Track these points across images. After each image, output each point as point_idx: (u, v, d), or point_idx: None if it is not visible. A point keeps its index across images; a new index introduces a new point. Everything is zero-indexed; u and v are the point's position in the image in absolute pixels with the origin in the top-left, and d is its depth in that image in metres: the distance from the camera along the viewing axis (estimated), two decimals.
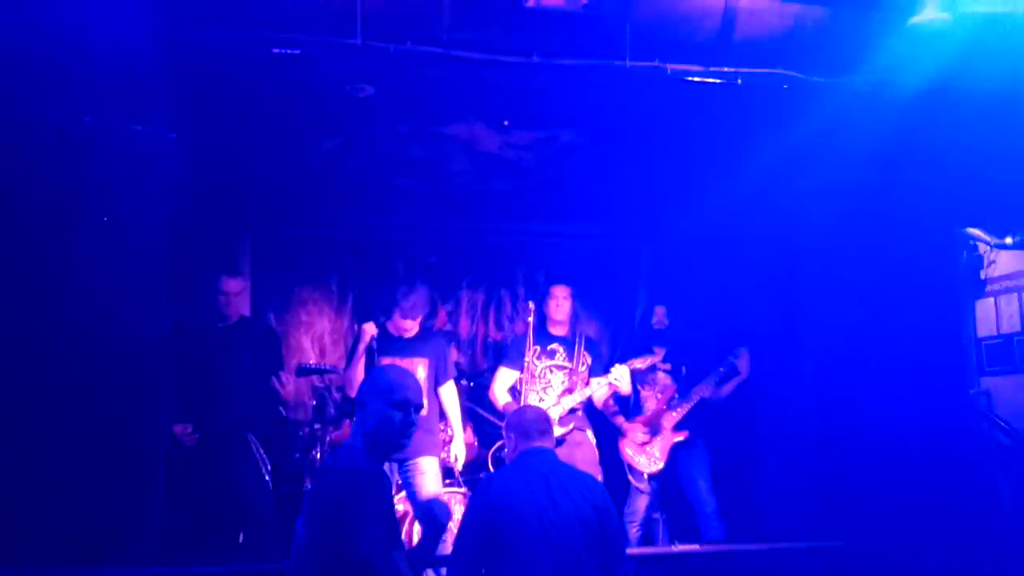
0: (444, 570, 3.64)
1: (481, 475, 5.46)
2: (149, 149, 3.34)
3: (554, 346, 4.98)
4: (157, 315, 3.30)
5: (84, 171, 3.19)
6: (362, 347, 4.61)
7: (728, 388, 5.10)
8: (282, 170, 5.18)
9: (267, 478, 4.21)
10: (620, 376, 4.81)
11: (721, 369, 5.06)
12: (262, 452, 4.13)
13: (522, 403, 4.65)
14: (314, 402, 5.78)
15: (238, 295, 4.56)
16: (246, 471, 4.17)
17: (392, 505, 2.50)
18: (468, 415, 5.61)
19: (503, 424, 3.29)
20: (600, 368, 5.00)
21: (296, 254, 6.26)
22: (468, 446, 5.30)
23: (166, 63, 3.58)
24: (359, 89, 3.85)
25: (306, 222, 6.17)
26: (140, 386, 3.16)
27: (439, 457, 4.73)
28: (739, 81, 3.71)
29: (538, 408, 3.68)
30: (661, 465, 5.01)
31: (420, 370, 4.68)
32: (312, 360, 6.09)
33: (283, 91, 3.95)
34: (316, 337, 6.31)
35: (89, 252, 3.18)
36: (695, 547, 3.55)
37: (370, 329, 4.61)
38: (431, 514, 4.05)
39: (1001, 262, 6.31)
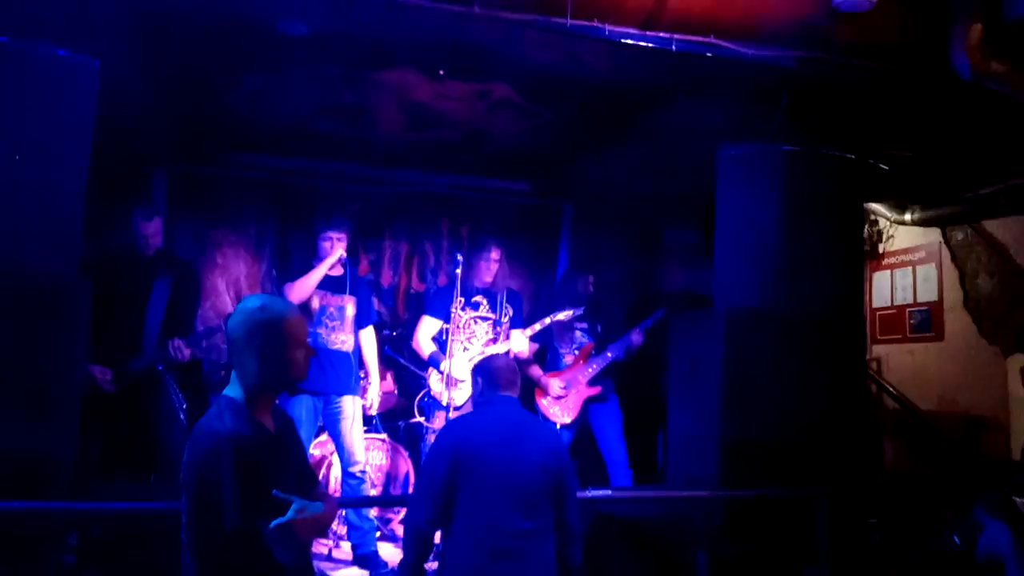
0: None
1: (400, 423, 5.55)
2: (69, 74, 3.18)
3: (478, 298, 5.09)
4: (74, 249, 3.18)
5: (2, 93, 3.03)
6: (326, 265, 4.66)
7: (632, 351, 5.32)
8: (203, 106, 5.01)
9: (182, 417, 4.16)
10: (539, 330, 4.99)
11: (608, 354, 5.29)
12: (178, 391, 4.08)
13: (448, 353, 4.73)
14: (226, 345, 5.72)
15: (156, 236, 4.45)
16: (162, 409, 4.12)
17: (268, 466, 2.09)
18: (388, 364, 5.66)
19: (472, 368, 3.34)
20: (520, 321, 5.15)
21: (214, 195, 6.10)
22: (388, 394, 5.38)
23: None
24: (292, 27, 3.75)
25: (225, 162, 6.00)
26: (55, 319, 3.06)
27: (361, 398, 4.82)
28: (673, 47, 3.79)
29: (507, 357, 3.76)
30: (573, 417, 5.21)
31: (349, 308, 4.82)
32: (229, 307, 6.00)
33: (213, 23, 3.81)
34: (232, 281, 6.20)
35: (6, 180, 3.04)
36: (607, 492, 3.71)
37: (341, 248, 4.70)
38: None
39: (899, 237, 6.71)
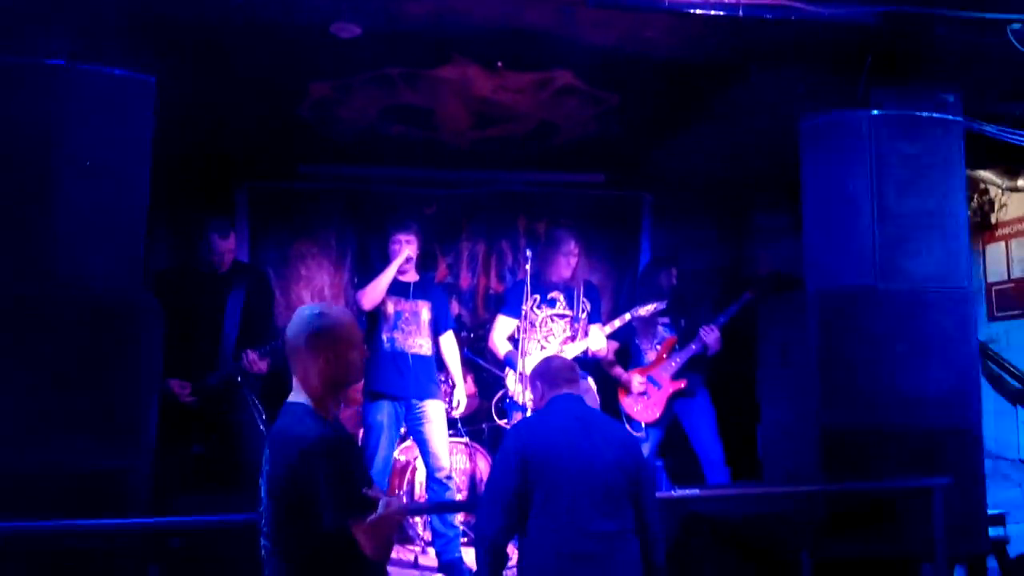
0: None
1: (483, 425, 5.45)
2: (125, 93, 3.22)
3: (554, 294, 4.94)
4: (137, 265, 3.21)
5: (57, 115, 3.08)
6: (395, 267, 4.62)
7: (717, 343, 5.03)
8: (273, 120, 5.06)
9: (262, 429, 4.17)
10: (620, 327, 4.81)
11: (692, 346, 5.01)
12: (257, 401, 4.09)
13: (521, 351, 4.60)
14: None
15: (232, 252, 4.53)
16: (242, 422, 4.14)
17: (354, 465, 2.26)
18: (468, 367, 5.58)
19: (529, 374, 3.25)
20: (598, 315, 4.97)
21: (293, 208, 6.19)
22: (470, 396, 5.29)
23: (143, 3, 3.46)
24: (344, 29, 3.71)
25: (301, 175, 6.07)
26: (122, 336, 3.09)
27: (443, 403, 4.76)
28: (740, 13, 3.55)
29: (562, 356, 3.64)
30: (658, 415, 5.00)
31: (424, 312, 4.78)
32: None
33: (268, 33, 3.81)
34: (316, 291, 6.27)
35: (64, 200, 3.09)
36: (695, 491, 3.50)
37: (409, 250, 4.66)
38: None
39: (1012, 205, 6.18)
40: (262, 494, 2.19)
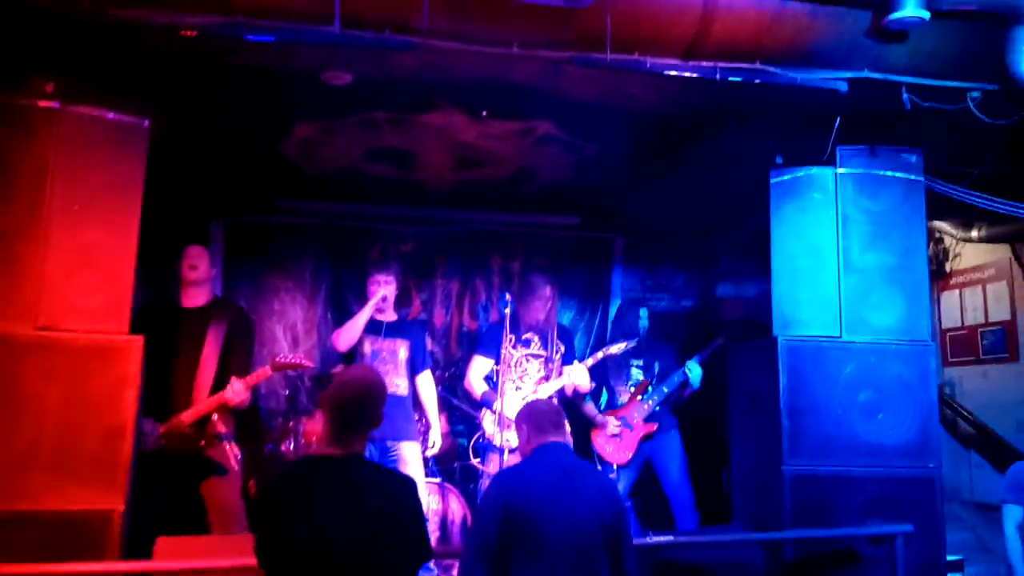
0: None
1: (455, 464, 5.49)
2: (118, 136, 3.26)
3: (529, 335, 5.01)
4: (127, 305, 3.23)
5: (49, 157, 3.11)
6: (369, 309, 4.65)
7: (687, 391, 5.17)
8: (256, 158, 5.11)
9: (237, 468, 4.15)
10: (593, 365, 4.89)
11: (665, 389, 5.13)
12: (232, 441, 4.07)
13: (500, 392, 4.65)
14: (287, 392, 5.76)
15: (201, 260, 4.36)
16: (216, 461, 4.11)
17: None
18: (442, 404, 5.62)
19: (515, 417, 3.22)
20: (571, 357, 5.05)
21: (269, 242, 6.20)
22: (443, 436, 5.32)
23: (139, 48, 3.51)
24: (335, 77, 3.79)
25: (279, 210, 6.10)
26: (106, 377, 3.10)
27: (419, 443, 4.77)
28: (717, 76, 3.71)
29: (550, 401, 3.65)
30: (629, 456, 5.08)
31: (402, 351, 4.79)
32: (285, 352, 6.03)
33: (258, 79, 3.88)
34: (289, 326, 6.26)
35: (55, 241, 3.11)
36: (668, 538, 3.58)
37: (385, 291, 4.68)
38: None
39: (966, 255, 6.45)
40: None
